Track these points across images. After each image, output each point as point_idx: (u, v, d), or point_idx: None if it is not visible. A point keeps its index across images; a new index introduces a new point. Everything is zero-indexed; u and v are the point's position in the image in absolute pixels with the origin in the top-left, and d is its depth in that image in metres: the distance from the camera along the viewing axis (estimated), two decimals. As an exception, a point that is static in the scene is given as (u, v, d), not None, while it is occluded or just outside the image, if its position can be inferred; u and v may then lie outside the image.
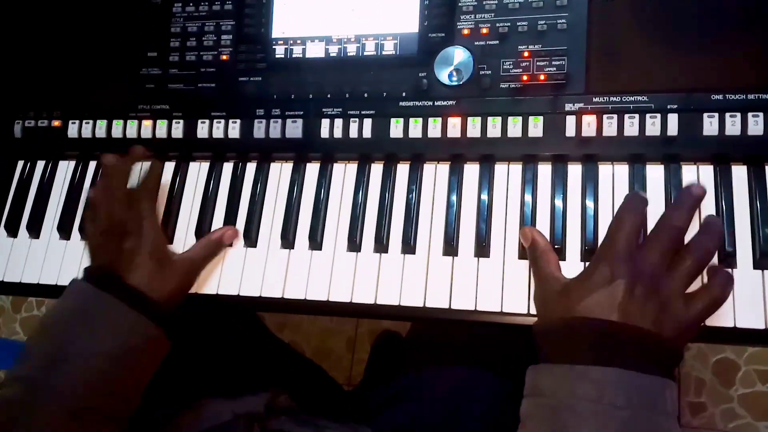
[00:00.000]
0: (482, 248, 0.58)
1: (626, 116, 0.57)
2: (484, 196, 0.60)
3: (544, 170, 0.59)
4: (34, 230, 0.70)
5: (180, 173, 0.68)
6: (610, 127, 0.57)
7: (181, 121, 0.68)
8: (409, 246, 0.60)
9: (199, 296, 0.63)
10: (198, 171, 0.68)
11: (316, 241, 0.62)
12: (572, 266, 0.56)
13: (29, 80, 0.74)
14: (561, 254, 0.57)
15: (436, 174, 0.62)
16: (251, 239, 0.63)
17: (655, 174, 0.57)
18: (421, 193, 0.61)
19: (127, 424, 0.55)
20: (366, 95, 0.64)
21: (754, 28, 0.56)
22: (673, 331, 0.46)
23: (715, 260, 0.53)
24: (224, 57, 0.68)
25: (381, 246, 0.60)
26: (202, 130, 0.67)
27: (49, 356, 0.53)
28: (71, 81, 0.72)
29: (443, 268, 0.59)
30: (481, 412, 0.62)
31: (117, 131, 0.69)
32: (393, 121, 0.62)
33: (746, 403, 1.21)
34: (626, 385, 0.43)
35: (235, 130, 0.66)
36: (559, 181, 0.58)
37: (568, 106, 0.59)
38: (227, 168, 0.67)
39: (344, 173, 0.64)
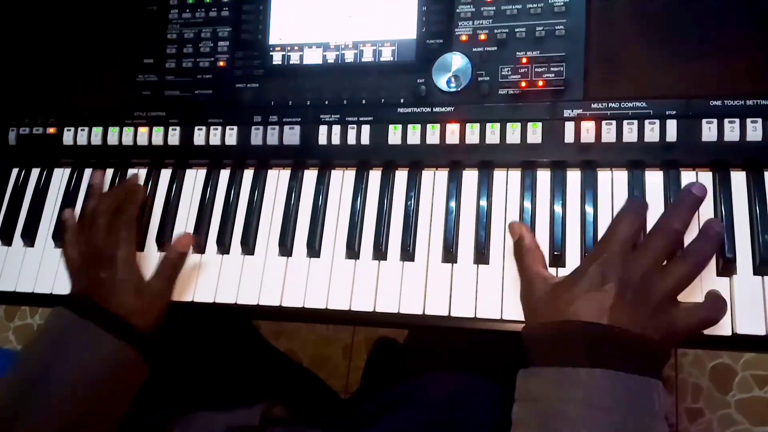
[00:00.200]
0: (481, 255, 0.58)
1: (625, 122, 0.57)
2: (483, 203, 0.59)
3: (543, 176, 0.59)
4: (29, 238, 0.69)
5: (176, 181, 0.67)
6: (608, 134, 0.57)
7: (178, 128, 0.67)
8: (408, 253, 0.59)
9: (195, 305, 0.62)
10: (195, 178, 0.68)
11: (314, 249, 0.61)
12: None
13: (24, 87, 0.74)
14: (560, 261, 0.56)
15: (435, 181, 0.62)
16: (249, 247, 0.63)
17: (654, 180, 0.57)
18: (419, 200, 0.61)
19: None
20: (364, 102, 0.63)
21: (752, 34, 0.56)
22: (661, 334, 0.46)
23: (713, 267, 0.53)
24: (221, 63, 0.68)
25: (380, 253, 0.60)
26: (198, 137, 0.66)
27: (25, 384, 0.53)
28: (66, 87, 0.72)
29: (442, 276, 0.58)
30: (481, 419, 0.61)
31: (113, 138, 0.69)
32: (391, 127, 0.62)
33: (743, 409, 1.21)
34: (615, 388, 0.43)
35: (232, 137, 0.66)
36: (558, 188, 0.58)
37: (567, 113, 0.58)
38: (224, 175, 0.67)
39: (342, 180, 0.64)
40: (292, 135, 0.64)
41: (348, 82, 0.64)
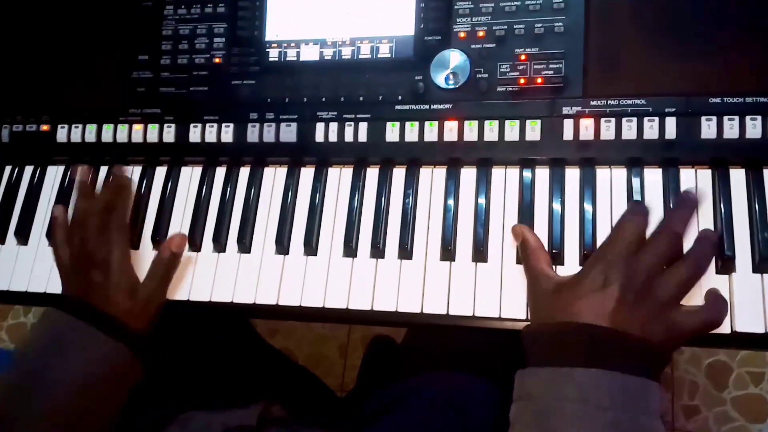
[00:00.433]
0: (480, 253, 0.57)
1: (624, 120, 0.57)
2: (482, 201, 0.59)
3: (542, 174, 0.59)
4: (23, 237, 0.68)
5: (172, 178, 0.67)
6: (607, 131, 0.57)
7: (173, 126, 0.66)
8: (405, 251, 0.59)
9: (191, 304, 0.62)
10: (190, 176, 0.67)
11: (311, 247, 0.61)
12: (571, 270, 0.55)
13: (17, 84, 0.73)
14: (559, 259, 0.56)
15: (433, 178, 0.61)
16: (245, 245, 0.62)
17: (653, 178, 0.57)
18: (417, 198, 0.61)
19: None
20: (361, 99, 0.63)
21: (751, 31, 0.56)
22: (662, 337, 0.46)
23: (713, 265, 0.52)
24: (217, 60, 0.67)
25: (377, 251, 0.60)
26: (194, 134, 0.66)
27: (18, 387, 0.53)
28: (60, 84, 0.71)
29: (441, 274, 0.58)
30: (479, 419, 0.61)
31: (107, 136, 0.68)
32: (389, 124, 0.61)
33: (739, 406, 1.22)
34: (610, 386, 0.43)
35: (228, 134, 0.65)
36: (557, 185, 0.58)
37: (566, 110, 0.58)
38: (220, 173, 0.66)
39: (339, 178, 0.63)
40: (289, 132, 0.63)
41: (345, 79, 0.64)
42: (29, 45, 0.73)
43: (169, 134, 0.66)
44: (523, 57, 0.60)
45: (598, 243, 0.55)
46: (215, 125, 0.65)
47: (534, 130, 0.58)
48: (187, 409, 0.62)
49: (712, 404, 1.22)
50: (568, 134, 0.58)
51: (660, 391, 0.44)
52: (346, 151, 0.63)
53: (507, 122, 0.59)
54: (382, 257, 0.60)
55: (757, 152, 0.55)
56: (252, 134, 0.64)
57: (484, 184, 0.59)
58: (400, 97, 0.62)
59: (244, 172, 0.65)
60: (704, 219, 0.54)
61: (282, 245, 0.62)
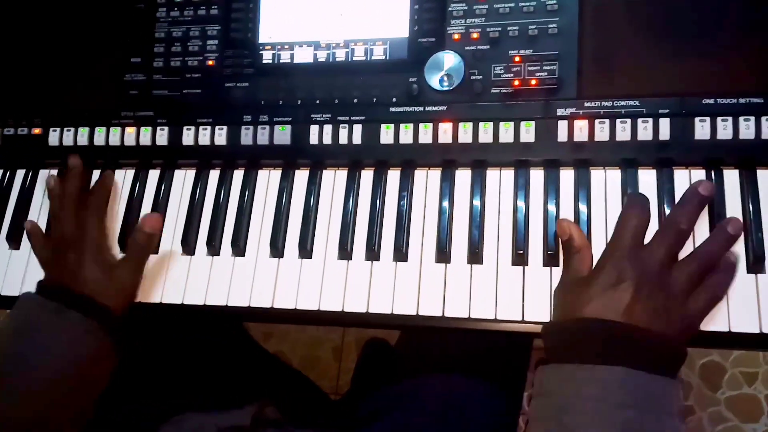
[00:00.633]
0: (475, 255, 0.57)
1: (618, 121, 0.57)
2: (477, 202, 0.59)
3: (537, 175, 0.59)
4: (14, 241, 0.68)
5: (165, 181, 0.66)
6: (602, 132, 0.57)
7: (166, 128, 0.66)
8: (401, 253, 0.59)
9: (185, 307, 0.61)
10: (183, 179, 0.67)
11: (306, 250, 0.61)
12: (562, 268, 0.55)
13: (8, 87, 0.72)
14: (555, 260, 0.56)
15: (428, 180, 0.61)
16: (239, 248, 0.62)
17: (647, 178, 0.57)
18: (412, 200, 0.61)
19: None
20: (356, 101, 0.63)
21: (744, 32, 0.56)
22: (678, 330, 0.46)
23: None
24: (210, 62, 0.67)
25: (372, 254, 0.59)
26: (187, 137, 0.65)
27: None
28: (52, 87, 0.71)
29: (436, 276, 0.58)
30: (476, 421, 0.61)
31: (99, 138, 0.67)
32: (383, 126, 0.61)
33: (733, 406, 1.22)
34: (631, 385, 0.43)
35: (221, 136, 0.65)
36: (552, 187, 0.58)
37: (560, 111, 0.58)
38: (214, 176, 0.66)
39: (334, 180, 0.63)
40: (283, 135, 0.63)
41: (339, 81, 0.63)
42: (21, 47, 0.72)
43: (162, 137, 0.66)
44: (517, 59, 0.60)
45: (593, 243, 0.55)
46: (209, 128, 0.65)
47: (528, 132, 0.58)
48: (180, 410, 0.62)
49: (706, 404, 1.23)
50: (562, 136, 0.58)
51: (679, 389, 0.45)
52: (341, 153, 0.62)
53: (501, 124, 0.59)
54: (377, 260, 0.59)
55: (750, 153, 0.55)
56: (246, 137, 0.64)
57: (479, 185, 0.59)
58: (394, 99, 0.62)
59: (238, 175, 0.65)
60: (699, 219, 0.54)
61: (276, 248, 0.61)
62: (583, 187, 0.57)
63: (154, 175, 0.67)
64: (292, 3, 0.65)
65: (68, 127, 0.68)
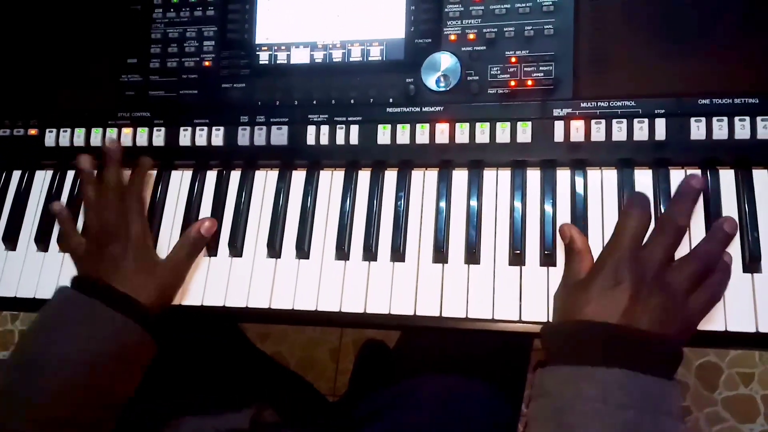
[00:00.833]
0: (472, 255, 0.57)
1: (614, 121, 0.57)
2: (474, 203, 0.59)
3: (533, 176, 0.59)
4: (11, 242, 0.68)
5: (162, 182, 0.66)
6: (598, 133, 0.57)
7: (163, 129, 0.66)
8: (398, 254, 0.59)
9: (182, 308, 0.61)
10: (180, 180, 0.67)
11: (303, 250, 0.61)
12: (563, 272, 0.56)
13: (4, 88, 0.72)
14: (552, 260, 0.56)
15: (425, 180, 0.61)
16: (237, 249, 0.62)
17: (643, 178, 0.57)
18: (409, 200, 0.61)
19: None
20: (352, 101, 0.63)
21: (740, 32, 0.56)
22: (677, 331, 0.46)
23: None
24: (207, 63, 0.67)
25: (370, 254, 0.59)
26: (184, 137, 0.65)
27: (21, 366, 0.52)
28: (48, 88, 0.71)
29: (433, 276, 0.58)
30: (474, 421, 0.61)
31: (96, 139, 0.67)
32: (380, 127, 0.61)
33: (729, 406, 1.22)
34: (631, 386, 0.43)
35: (218, 137, 0.65)
36: (549, 187, 0.58)
37: (556, 112, 0.58)
38: (211, 176, 0.66)
39: (331, 180, 0.63)
40: (280, 135, 0.63)
41: (336, 81, 0.63)
42: (17, 48, 0.72)
43: (159, 138, 0.66)
44: (513, 59, 0.60)
45: (590, 243, 0.55)
46: (205, 128, 0.65)
47: (525, 132, 0.59)
48: (178, 411, 0.62)
49: (702, 405, 1.23)
50: (558, 136, 0.58)
51: (678, 390, 0.45)
52: (338, 153, 0.63)
53: (498, 124, 0.59)
54: (375, 260, 0.59)
55: (746, 152, 0.55)
56: (243, 137, 0.64)
57: (475, 186, 0.59)
58: (391, 100, 0.62)
59: (235, 176, 0.65)
60: (695, 219, 0.54)
61: (274, 249, 0.61)
62: (579, 187, 0.58)
63: (150, 176, 0.67)
64: (288, 4, 0.65)
65: (65, 128, 0.68)
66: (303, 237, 0.61)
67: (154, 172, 0.66)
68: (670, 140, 0.56)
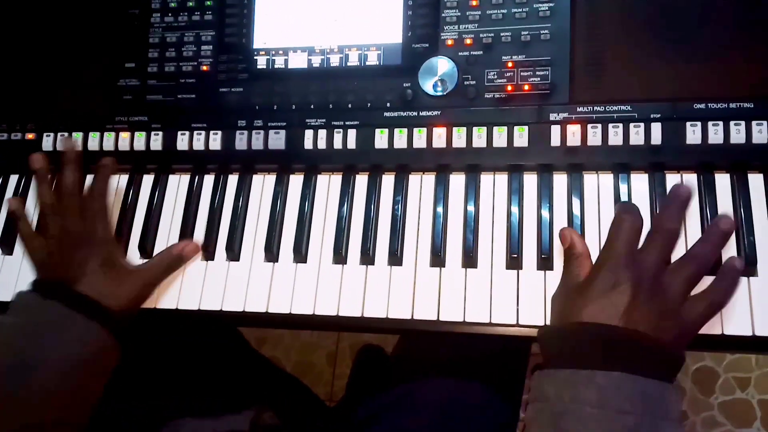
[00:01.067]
0: (470, 259, 0.58)
1: (610, 125, 0.57)
2: (471, 207, 0.59)
3: (530, 180, 0.59)
4: (7, 246, 0.68)
5: (159, 186, 0.66)
6: (594, 137, 0.57)
7: (160, 133, 0.66)
8: (395, 258, 0.59)
9: (179, 312, 0.61)
10: (178, 184, 0.67)
11: (300, 254, 0.61)
12: (560, 275, 0.56)
13: (1, 92, 0.72)
14: (549, 264, 0.56)
15: (422, 184, 0.61)
16: (234, 253, 0.62)
17: (640, 183, 0.57)
18: (407, 204, 0.61)
19: None
20: (350, 106, 0.63)
21: (735, 37, 0.57)
22: (676, 334, 0.46)
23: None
24: (205, 67, 0.67)
25: (367, 258, 0.59)
26: (182, 141, 0.66)
27: None
28: (46, 92, 0.71)
29: (431, 280, 0.58)
30: (473, 425, 0.61)
31: (93, 144, 0.67)
32: (378, 131, 0.62)
33: (726, 411, 1.22)
34: (630, 390, 0.42)
35: (216, 141, 0.65)
36: (545, 191, 0.58)
37: (553, 116, 0.59)
38: (208, 180, 0.66)
39: (329, 185, 0.63)
40: (278, 139, 0.63)
41: (334, 86, 0.64)
42: (14, 53, 0.72)
43: (157, 142, 0.66)
44: (510, 64, 0.60)
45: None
46: (203, 133, 0.65)
47: (522, 137, 0.59)
48: (177, 413, 0.62)
49: (699, 409, 1.23)
50: (555, 140, 0.58)
51: (677, 394, 0.45)
52: (335, 157, 0.63)
53: (495, 128, 0.59)
54: (372, 264, 0.60)
55: (741, 156, 0.55)
56: (240, 141, 0.64)
57: (473, 190, 0.60)
58: (388, 104, 0.62)
59: (233, 180, 0.65)
60: (691, 223, 0.55)
61: (271, 253, 0.61)
62: (576, 192, 0.58)
63: (148, 180, 0.67)
64: (286, 8, 0.65)
65: (62, 132, 0.68)
66: (300, 241, 0.61)
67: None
68: (665, 144, 0.56)
